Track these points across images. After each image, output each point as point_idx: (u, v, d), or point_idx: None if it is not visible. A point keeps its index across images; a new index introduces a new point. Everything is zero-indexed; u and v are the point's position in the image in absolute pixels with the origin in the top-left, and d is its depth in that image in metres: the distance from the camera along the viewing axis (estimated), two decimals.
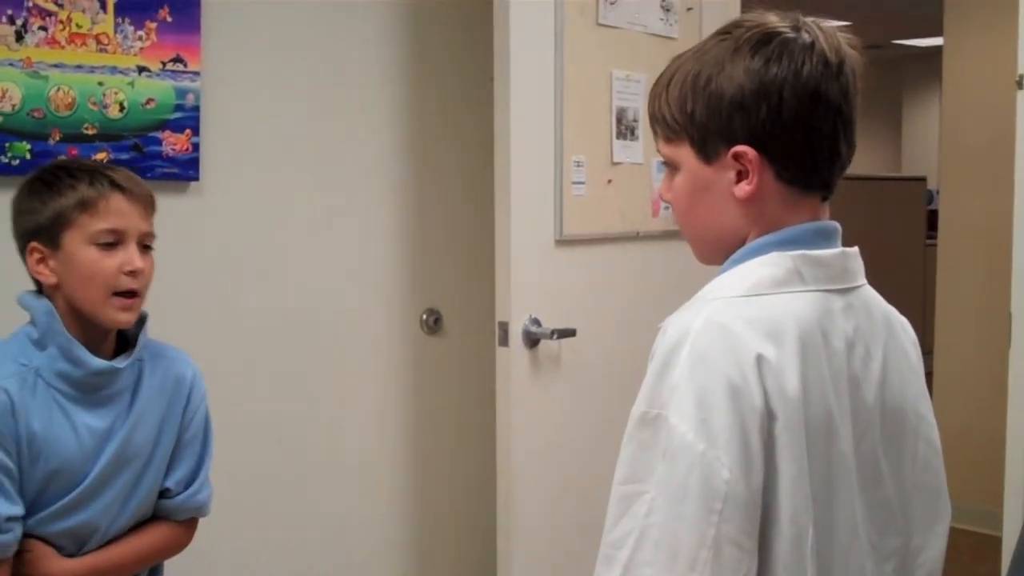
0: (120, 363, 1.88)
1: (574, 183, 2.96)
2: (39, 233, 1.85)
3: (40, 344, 1.84)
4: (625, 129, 3.08)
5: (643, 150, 3.12)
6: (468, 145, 3.24)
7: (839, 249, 1.37)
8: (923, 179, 9.75)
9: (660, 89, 1.39)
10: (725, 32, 1.34)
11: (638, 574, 1.20)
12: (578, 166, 2.97)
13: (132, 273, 1.84)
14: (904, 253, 8.95)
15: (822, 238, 1.36)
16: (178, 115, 2.68)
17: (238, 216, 2.87)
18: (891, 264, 6.81)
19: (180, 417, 1.99)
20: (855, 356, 1.34)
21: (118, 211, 1.84)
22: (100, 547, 1.94)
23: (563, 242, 2.94)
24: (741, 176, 1.33)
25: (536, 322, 2.86)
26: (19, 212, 1.89)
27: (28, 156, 2.48)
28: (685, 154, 1.36)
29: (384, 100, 3.13)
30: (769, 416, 1.22)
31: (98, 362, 1.84)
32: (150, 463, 1.95)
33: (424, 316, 3.24)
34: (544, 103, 2.88)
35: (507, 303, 2.82)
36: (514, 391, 2.83)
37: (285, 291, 2.97)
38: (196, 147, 2.71)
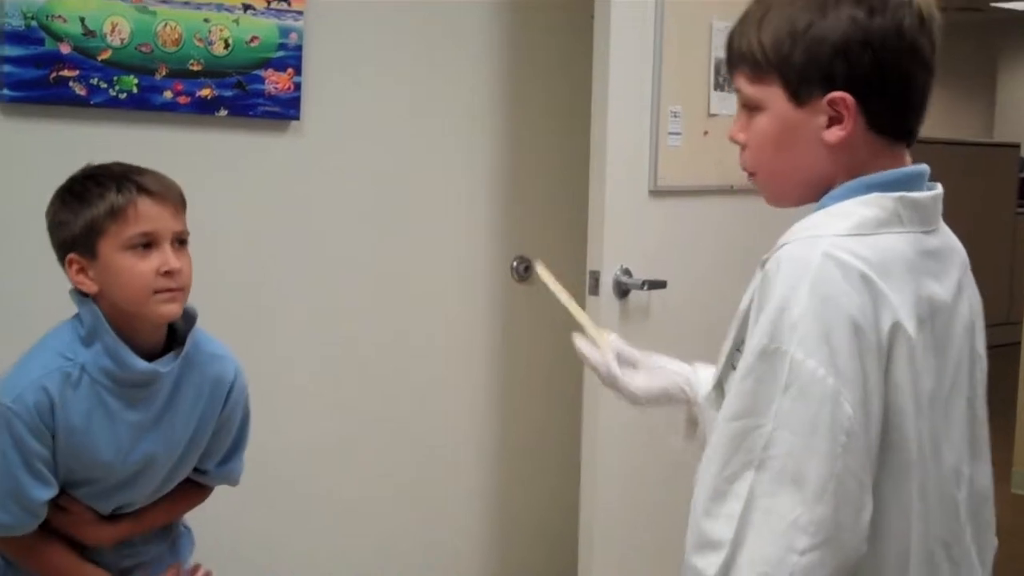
0: (163, 367, 1.90)
1: (670, 134, 2.94)
2: (75, 244, 1.87)
3: (86, 341, 1.87)
4: (723, 80, 3.05)
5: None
6: (564, 92, 3.23)
7: (935, 191, 1.40)
8: (1016, 146, 9.56)
9: (749, 26, 1.38)
10: None
11: (758, 505, 1.23)
12: (675, 117, 2.95)
13: (169, 273, 1.86)
14: (993, 221, 8.79)
15: (920, 181, 1.39)
16: (281, 54, 2.70)
17: (336, 157, 2.89)
18: (980, 232, 6.68)
19: (217, 415, 2.03)
20: (962, 300, 1.40)
21: (147, 215, 1.85)
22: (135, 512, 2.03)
23: (657, 193, 2.93)
24: (833, 121, 1.34)
25: (627, 272, 2.85)
26: (54, 224, 1.91)
27: (135, 90, 2.51)
28: (773, 95, 1.36)
29: (482, 48, 3.13)
30: (887, 356, 1.26)
31: (142, 364, 1.87)
32: (185, 456, 2.01)
33: (514, 263, 3.25)
34: (643, 52, 2.85)
35: (599, 252, 2.82)
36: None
37: (378, 233, 2.99)
38: (298, 86, 2.74)
